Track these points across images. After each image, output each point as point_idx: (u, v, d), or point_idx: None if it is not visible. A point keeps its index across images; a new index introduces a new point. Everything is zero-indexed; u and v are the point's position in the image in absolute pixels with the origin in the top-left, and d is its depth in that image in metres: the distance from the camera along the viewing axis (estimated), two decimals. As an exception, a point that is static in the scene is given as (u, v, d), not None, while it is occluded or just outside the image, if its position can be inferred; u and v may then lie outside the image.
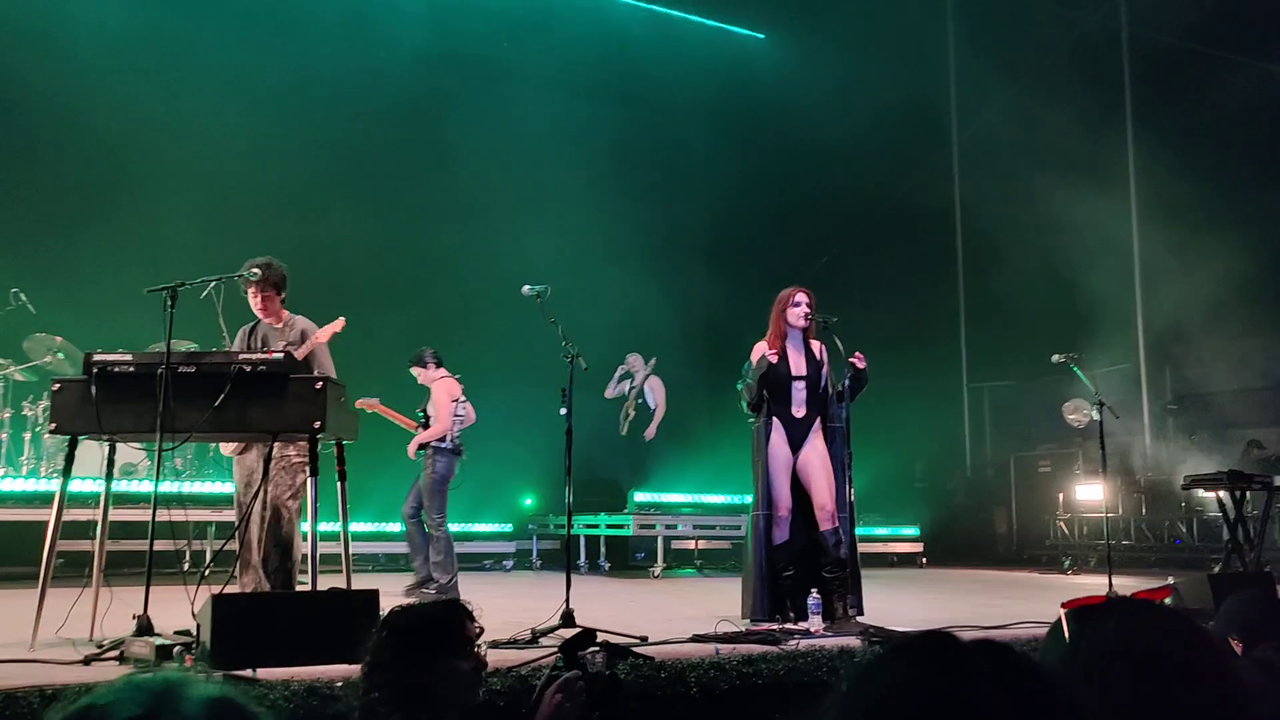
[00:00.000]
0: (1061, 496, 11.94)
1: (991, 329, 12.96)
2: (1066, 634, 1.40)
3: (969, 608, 6.58)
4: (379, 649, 2.41)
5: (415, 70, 12.08)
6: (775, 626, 4.86)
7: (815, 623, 5.14)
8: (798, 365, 5.80)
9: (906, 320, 12.60)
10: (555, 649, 4.32)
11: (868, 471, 8.14)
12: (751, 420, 5.87)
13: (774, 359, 5.69)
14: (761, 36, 14.40)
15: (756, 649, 4.38)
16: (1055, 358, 7.60)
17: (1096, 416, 7.46)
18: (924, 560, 11.60)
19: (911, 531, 11.81)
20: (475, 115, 12.30)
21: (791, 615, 5.48)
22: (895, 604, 6.96)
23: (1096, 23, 12.58)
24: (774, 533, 5.63)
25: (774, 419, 5.74)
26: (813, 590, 5.26)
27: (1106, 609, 1.46)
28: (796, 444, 5.75)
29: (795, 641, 4.64)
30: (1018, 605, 6.62)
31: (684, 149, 14.25)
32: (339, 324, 5.71)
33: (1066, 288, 11.37)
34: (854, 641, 4.70)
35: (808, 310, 5.76)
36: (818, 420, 5.83)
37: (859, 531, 6.03)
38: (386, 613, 2.50)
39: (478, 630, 2.53)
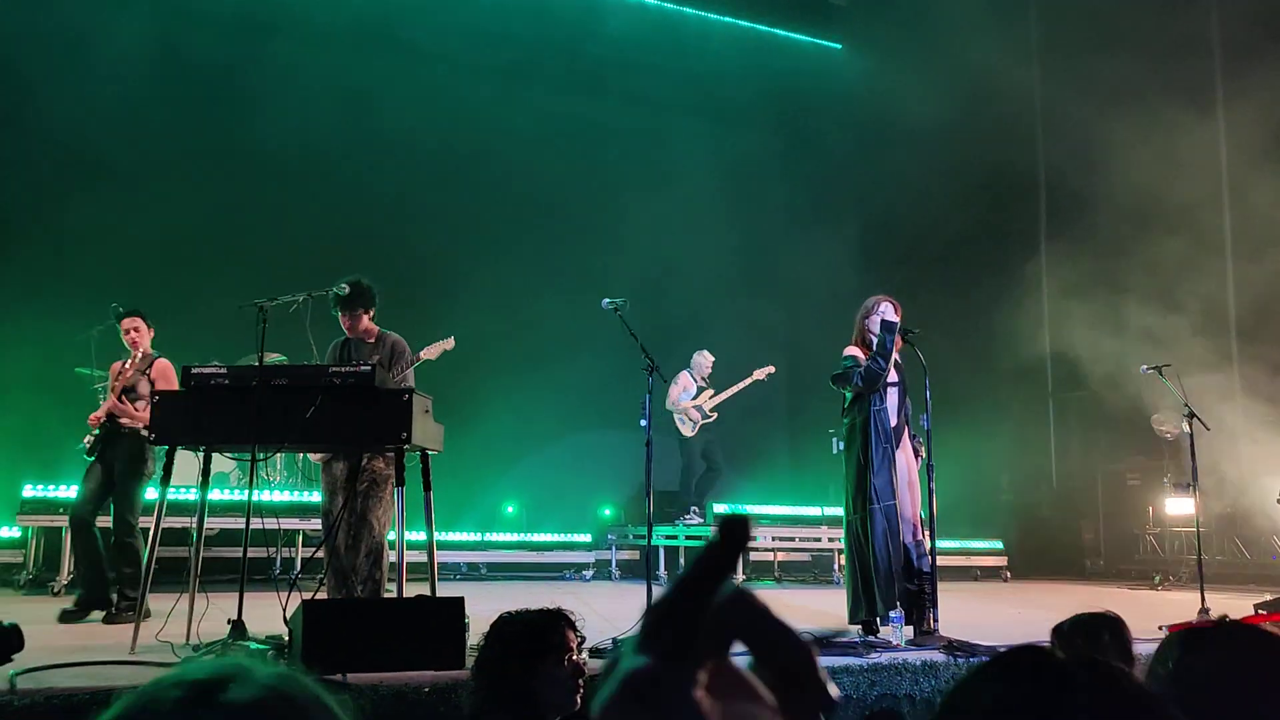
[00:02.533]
0: (1151, 510, 11.63)
1: (1077, 339, 12.67)
2: (1169, 660, 1.36)
3: (1055, 622, 6.44)
4: (486, 653, 2.55)
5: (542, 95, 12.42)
6: (857, 638, 4.82)
7: (896, 635, 5.10)
8: (890, 371, 5.78)
9: (990, 332, 12.38)
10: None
11: (950, 484, 8.04)
12: (845, 421, 5.84)
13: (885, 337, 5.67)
14: (838, 46, 14.32)
15: (839, 660, 4.36)
16: (1143, 369, 7.44)
17: (1187, 428, 7.28)
18: (1008, 574, 11.39)
19: (995, 545, 11.60)
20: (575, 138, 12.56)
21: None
22: (978, 617, 6.85)
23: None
24: (900, 527, 5.57)
25: (874, 418, 5.67)
26: (897, 604, 5.24)
27: (1214, 635, 1.40)
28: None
29: (878, 654, 4.61)
30: (1106, 621, 6.48)
31: (759, 161, 14.25)
32: (449, 343, 5.88)
33: (1156, 298, 11.09)
34: (937, 655, 4.65)
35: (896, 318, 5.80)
36: (905, 430, 5.84)
37: (940, 544, 5.97)
38: (496, 619, 2.62)
39: (578, 639, 2.62)
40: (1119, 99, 11.15)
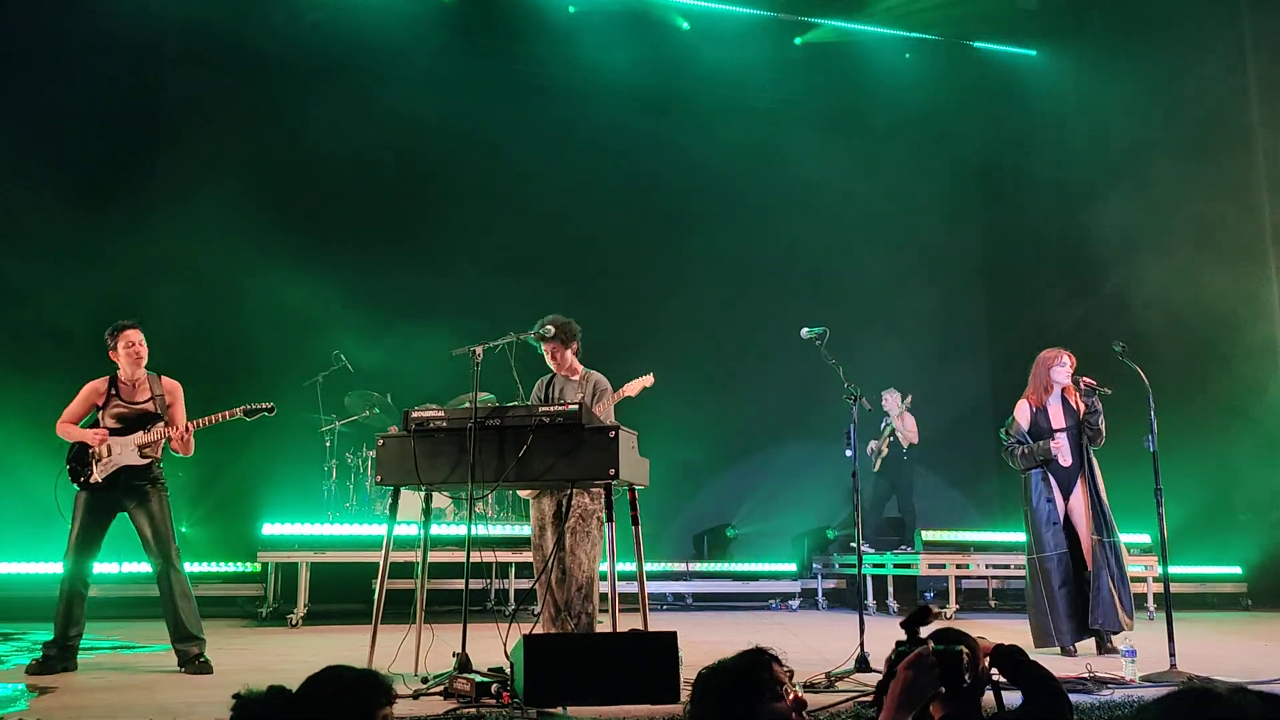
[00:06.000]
0: None
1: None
2: None
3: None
4: (697, 710, 2.50)
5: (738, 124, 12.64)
6: (1087, 674, 4.58)
7: (1129, 669, 4.82)
8: (1057, 418, 6.46)
9: (1213, 337, 11.56)
10: (851, 694, 4.30)
11: (1180, 505, 7.55)
12: (1022, 471, 6.53)
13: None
14: (1034, 54, 13.79)
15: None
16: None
17: None
18: (1249, 602, 10.56)
19: (1233, 571, 10.79)
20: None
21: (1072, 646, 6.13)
22: (1216, 650, 6.39)
23: None
24: (1051, 573, 6.22)
25: (1045, 469, 6.37)
26: (1128, 638, 4.97)
27: None
28: (1066, 490, 6.37)
29: (1109, 692, 4.37)
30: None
31: (959, 172, 13.89)
32: (648, 379, 5.99)
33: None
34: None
35: (1071, 370, 6.44)
36: (1084, 467, 6.37)
37: (1171, 571, 5.64)
38: (697, 675, 2.58)
39: (787, 672, 2.57)
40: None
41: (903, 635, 2.44)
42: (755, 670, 2.49)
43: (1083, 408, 6.39)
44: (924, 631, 2.44)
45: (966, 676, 2.37)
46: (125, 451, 5.62)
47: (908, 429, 10.88)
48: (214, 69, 11.46)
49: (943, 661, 2.36)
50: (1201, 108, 11.69)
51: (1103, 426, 6.34)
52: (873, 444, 10.90)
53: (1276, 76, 11.78)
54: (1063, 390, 6.47)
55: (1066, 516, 6.36)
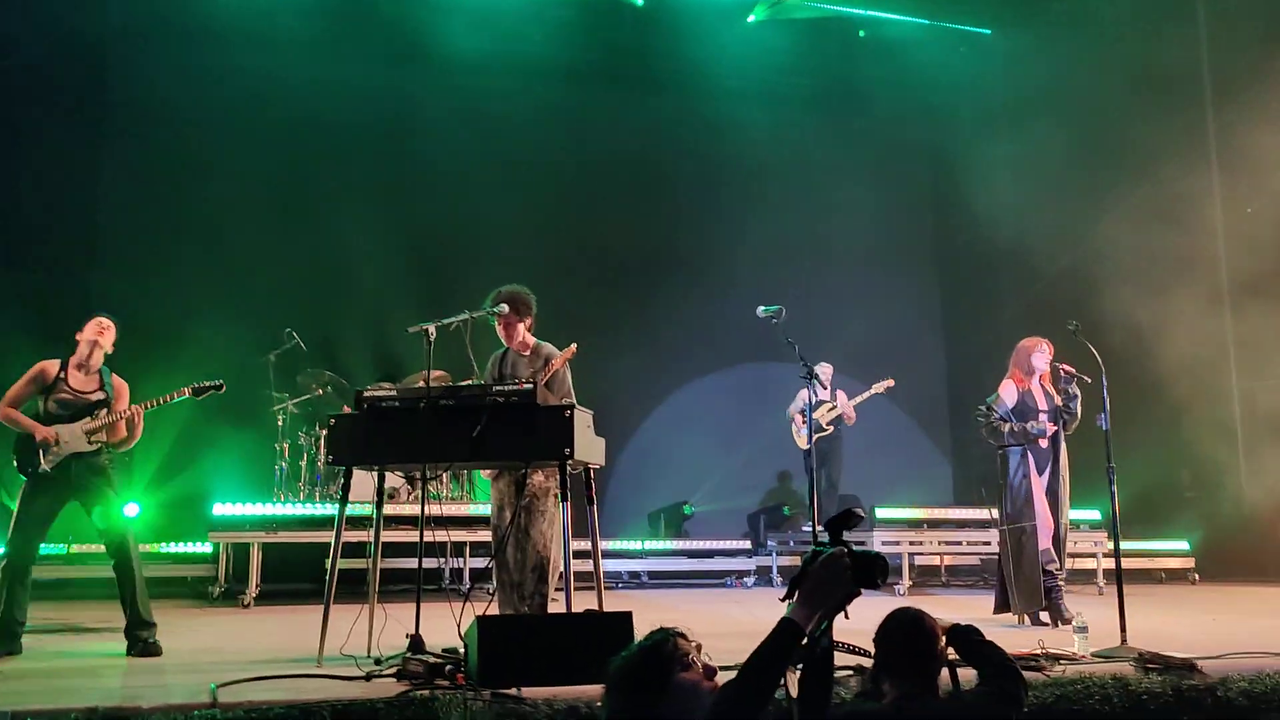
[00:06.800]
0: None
1: (1262, 323, 11.87)
2: None
3: (1255, 629, 6.03)
4: (614, 698, 2.51)
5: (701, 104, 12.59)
6: (1039, 651, 4.62)
7: (1081, 646, 4.87)
8: (1041, 402, 6.82)
9: (1163, 318, 11.73)
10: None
11: (1130, 482, 7.66)
12: (999, 447, 6.84)
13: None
14: (988, 32, 13.83)
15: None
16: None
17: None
18: (1196, 577, 10.76)
19: (1180, 545, 10.98)
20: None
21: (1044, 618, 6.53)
22: (1167, 625, 6.49)
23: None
24: (1040, 540, 6.57)
25: (1026, 448, 6.72)
26: (1079, 613, 5.04)
27: None
28: (1042, 468, 6.75)
29: (1061, 668, 4.41)
30: (1315, 628, 6.05)
31: (912, 152, 13.93)
32: (570, 350, 5.94)
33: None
34: (1128, 668, 4.41)
35: (1050, 358, 6.80)
36: (1056, 451, 6.78)
37: (1121, 546, 5.75)
38: (607, 665, 2.58)
39: (695, 645, 2.58)
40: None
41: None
42: (660, 646, 2.51)
43: (1058, 398, 6.78)
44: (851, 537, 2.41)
45: (879, 581, 2.33)
46: (74, 439, 5.51)
47: (849, 410, 10.99)
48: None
49: (857, 563, 2.33)
50: (1157, 82, 11.80)
51: (1078, 411, 6.70)
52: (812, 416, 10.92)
53: (1231, 46, 11.90)
54: (1039, 377, 6.88)
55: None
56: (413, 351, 6.29)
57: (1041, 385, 6.90)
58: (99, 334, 5.67)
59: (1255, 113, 11.37)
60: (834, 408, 11.02)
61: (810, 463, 6.41)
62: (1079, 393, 6.61)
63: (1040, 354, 6.82)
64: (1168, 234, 11.65)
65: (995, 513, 7.04)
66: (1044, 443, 6.74)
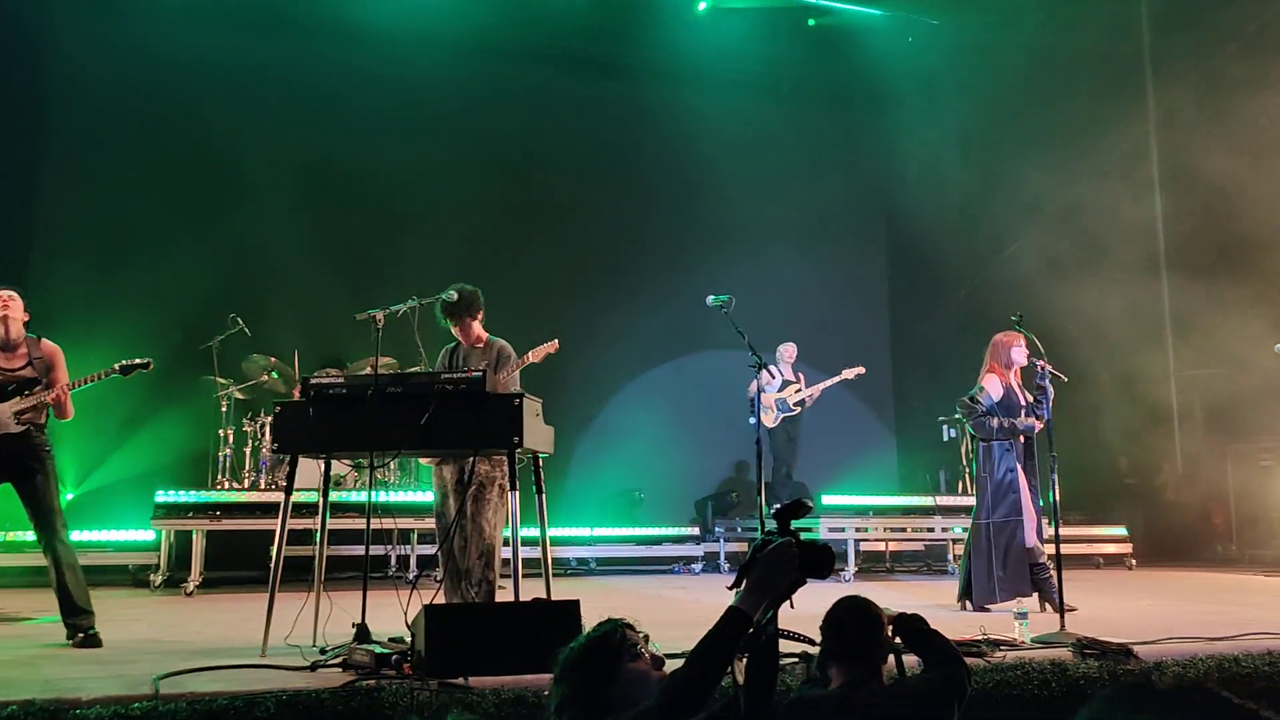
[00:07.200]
0: (1287, 491, 11.11)
1: (1199, 316, 12.14)
2: None
3: (1189, 615, 6.18)
4: (563, 690, 2.53)
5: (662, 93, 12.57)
6: (980, 637, 4.70)
7: (1022, 631, 4.97)
8: (1022, 395, 6.90)
9: (1104, 309, 11.94)
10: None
11: (1069, 469, 7.81)
12: (984, 440, 6.89)
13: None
14: (878, 13, 13.85)
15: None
16: (1278, 348, 7.13)
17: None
18: (1133, 562, 11.00)
19: (1118, 531, 11.21)
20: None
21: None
22: (1105, 610, 6.63)
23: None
24: (1025, 534, 6.63)
25: (1011, 442, 6.79)
26: (1020, 600, 5.13)
27: None
28: (1024, 462, 6.84)
29: (1002, 654, 4.49)
30: (1247, 612, 6.20)
31: (862, 141, 14.01)
32: (553, 345, 5.93)
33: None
34: (1066, 654, 4.50)
35: (1026, 353, 6.82)
36: (1030, 444, 6.88)
37: (1061, 532, 5.85)
38: (556, 656, 2.60)
39: (643, 635, 2.61)
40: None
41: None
42: (609, 637, 2.54)
43: (1028, 396, 6.89)
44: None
45: (825, 572, 2.35)
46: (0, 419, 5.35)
47: (812, 392, 11.05)
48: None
49: (805, 554, 2.34)
50: (1101, 65, 11.97)
51: (1049, 410, 6.66)
52: (775, 396, 10.95)
53: (1169, 25, 12.09)
54: (1014, 371, 7.01)
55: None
56: (361, 338, 6.21)
57: (1015, 380, 7.00)
58: (4, 307, 5.40)
59: (1196, 95, 11.60)
60: (800, 389, 11.05)
61: (759, 448, 6.34)
62: (1053, 391, 6.56)
63: (1019, 349, 6.90)
64: (1107, 220, 11.87)
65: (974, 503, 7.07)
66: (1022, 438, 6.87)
